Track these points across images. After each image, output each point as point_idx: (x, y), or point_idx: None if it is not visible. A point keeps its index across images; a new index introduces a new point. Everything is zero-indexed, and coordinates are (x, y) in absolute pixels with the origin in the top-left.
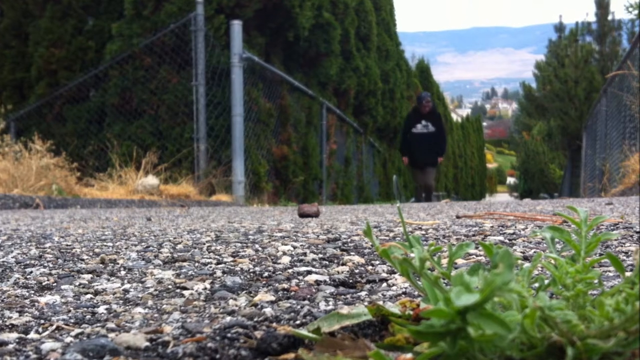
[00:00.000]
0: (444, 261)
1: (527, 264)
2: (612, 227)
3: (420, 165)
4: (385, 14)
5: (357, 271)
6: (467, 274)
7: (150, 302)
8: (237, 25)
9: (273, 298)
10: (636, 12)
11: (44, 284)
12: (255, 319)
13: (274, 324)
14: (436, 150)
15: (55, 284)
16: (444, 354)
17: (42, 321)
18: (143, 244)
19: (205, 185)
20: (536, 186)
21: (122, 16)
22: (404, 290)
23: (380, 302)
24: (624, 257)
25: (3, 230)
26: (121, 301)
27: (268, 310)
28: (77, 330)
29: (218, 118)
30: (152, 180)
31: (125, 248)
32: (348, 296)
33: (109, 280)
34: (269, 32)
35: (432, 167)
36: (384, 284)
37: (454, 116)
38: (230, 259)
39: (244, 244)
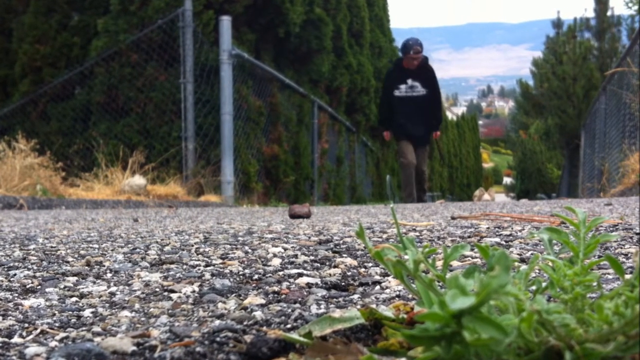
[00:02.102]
0: (439, 263)
1: (524, 266)
2: (611, 229)
3: (409, 138)
4: (379, 9)
5: (349, 274)
6: (462, 277)
7: (137, 306)
8: (226, 21)
9: (263, 301)
10: (636, 7)
11: (28, 286)
12: (245, 323)
13: (264, 328)
14: (428, 120)
15: (39, 286)
16: (438, 358)
17: (26, 325)
18: (130, 245)
19: (193, 186)
20: (533, 186)
21: (108, 12)
22: (397, 293)
23: (374, 306)
24: (624, 259)
25: None
26: (107, 304)
27: (258, 314)
28: (62, 334)
29: (207, 116)
30: (139, 180)
31: (112, 250)
32: (340, 299)
33: (94, 282)
34: (259, 28)
35: (423, 145)
36: (377, 287)
37: (449, 114)
38: (220, 261)
39: (234, 246)
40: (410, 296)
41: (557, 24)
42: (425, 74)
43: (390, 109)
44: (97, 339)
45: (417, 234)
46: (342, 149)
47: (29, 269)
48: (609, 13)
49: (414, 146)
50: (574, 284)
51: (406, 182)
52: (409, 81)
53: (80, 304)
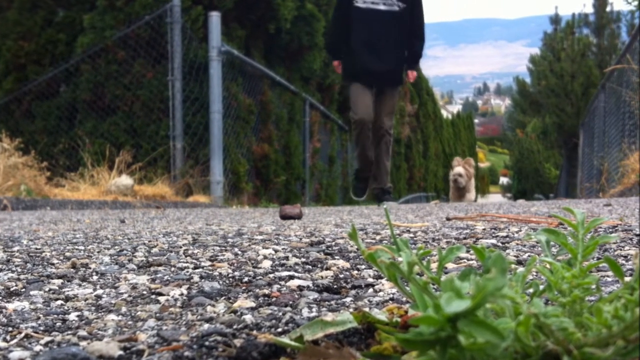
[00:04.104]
0: (434, 266)
1: (521, 269)
2: (610, 230)
3: (367, 78)
4: None
5: (342, 276)
6: (457, 279)
7: (123, 309)
8: (215, 17)
9: (253, 304)
10: (636, 3)
11: (12, 289)
12: (235, 327)
13: (255, 332)
14: (401, 50)
15: (24, 289)
16: None
17: (10, 329)
18: (116, 247)
19: (181, 186)
20: (530, 186)
21: (94, 7)
22: (391, 296)
23: (366, 309)
24: (623, 261)
25: None
26: (93, 308)
27: (248, 317)
28: (47, 339)
29: (195, 115)
30: (125, 180)
31: (98, 252)
32: (332, 302)
33: (80, 285)
34: (249, 24)
35: (391, 87)
36: (370, 290)
37: (444, 113)
38: (208, 263)
39: (223, 248)
40: (404, 299)
41: (555, 19)
42: None
43: (346, 28)
44: (83, 343)
45: (411, 235)
46: (335, 148)
47: (13, 271)
48: (608, 9)
49: (377, 90)
50: (572, 287)
51: (360, 155)
52: None
53: (66, 307)
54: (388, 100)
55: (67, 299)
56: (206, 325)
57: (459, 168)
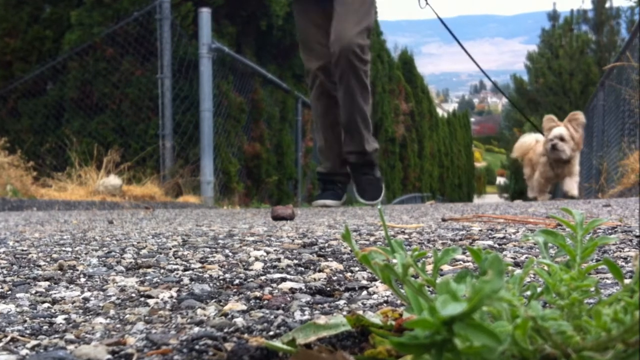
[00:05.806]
0: (429, 267)
1: (518, 271)
2: (609, 231)
3: None
4: None
5: (335, 278)
6: (453, 282)
7: (112, 312)
8: (205, 14)
9: (244, 307)
10: None
11: None
12: (226, 330)
13: (246, 335)
14: None
15: (9, 292)
16: None
17: None
18: (104, 249)
19: (171, 186)
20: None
21: (81, 3)
22: (385, 298)
23: (360, 312)
24: (623, 263)
25: None
26: (81, 311)
27: (239, 321)
28: (34, 342)
29: (185, 113)
30: (114, 180)
31: (85, 253)
32: (325, 305)
33: (67, 288)
34: (241, 21)
35: None
36: (364, 292)
37: (440, 111)
38: (199, 265)
39: (213, 249)
40: (398, 302)
41: (553, 16)
42: None
43: None
44: (70, 347)
45: (406, 236)
46: None
47: None
48: (607, 5)
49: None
50: (571, 289)
51: (324, 146)
52: None
53: (53, 310)
54: (352, 5)
55: (54, 301)
56: (196, 329)
57: (560, 129)
